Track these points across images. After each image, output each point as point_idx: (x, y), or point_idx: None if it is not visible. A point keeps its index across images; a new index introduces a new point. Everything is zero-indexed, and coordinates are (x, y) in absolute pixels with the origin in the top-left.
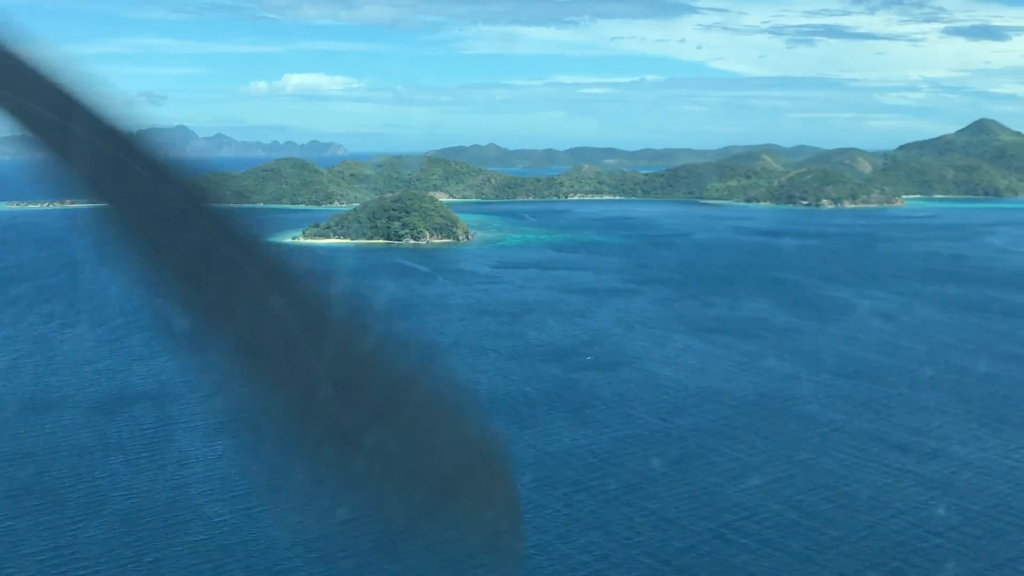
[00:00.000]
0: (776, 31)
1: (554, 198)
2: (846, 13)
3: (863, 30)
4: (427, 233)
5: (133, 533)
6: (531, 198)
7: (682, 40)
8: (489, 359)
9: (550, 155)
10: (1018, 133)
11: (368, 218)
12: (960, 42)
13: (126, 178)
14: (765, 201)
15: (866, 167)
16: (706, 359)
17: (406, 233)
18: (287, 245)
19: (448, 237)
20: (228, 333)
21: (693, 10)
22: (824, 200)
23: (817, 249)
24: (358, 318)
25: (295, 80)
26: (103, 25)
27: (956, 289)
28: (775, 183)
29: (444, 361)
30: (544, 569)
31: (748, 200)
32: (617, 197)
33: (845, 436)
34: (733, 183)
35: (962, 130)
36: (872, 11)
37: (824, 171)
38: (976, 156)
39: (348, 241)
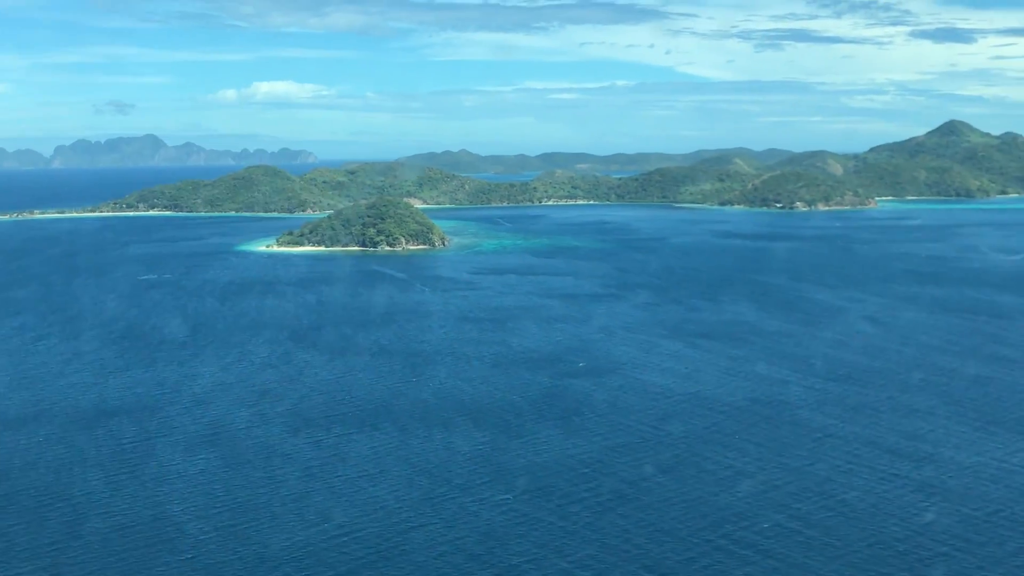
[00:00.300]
0: (744, 36)
1: (528, 203)
2: (813, 17)
3: (830, 34)
4: (403, 239)
5: (115, 554)
6: (505, 203)
7: (651, 45)
8: (473, 367)
9: (522, 160)
10: (987, 134)
11: (343, 225)
12: (926, 45)
13: None
14: (739, 204)
15: (837, 169)
16: (693, 364)
17: (381, 240)
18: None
19: (424, 243)
20: None
21: (662, 15)
22: (798, 202)
23: (796, 252)
24: None
25: (264, 88)
26: (70, 34)
27: (937, 290)
28: (749, 186)
29: None
30: None
31: (722, 203)
32: (591, 202)
33: (838, 441)
34: (707, 186)
35: (932, 132)
36: (839, 15)
37: (797, 173)
38: (947, 157)
39: (323, 248)
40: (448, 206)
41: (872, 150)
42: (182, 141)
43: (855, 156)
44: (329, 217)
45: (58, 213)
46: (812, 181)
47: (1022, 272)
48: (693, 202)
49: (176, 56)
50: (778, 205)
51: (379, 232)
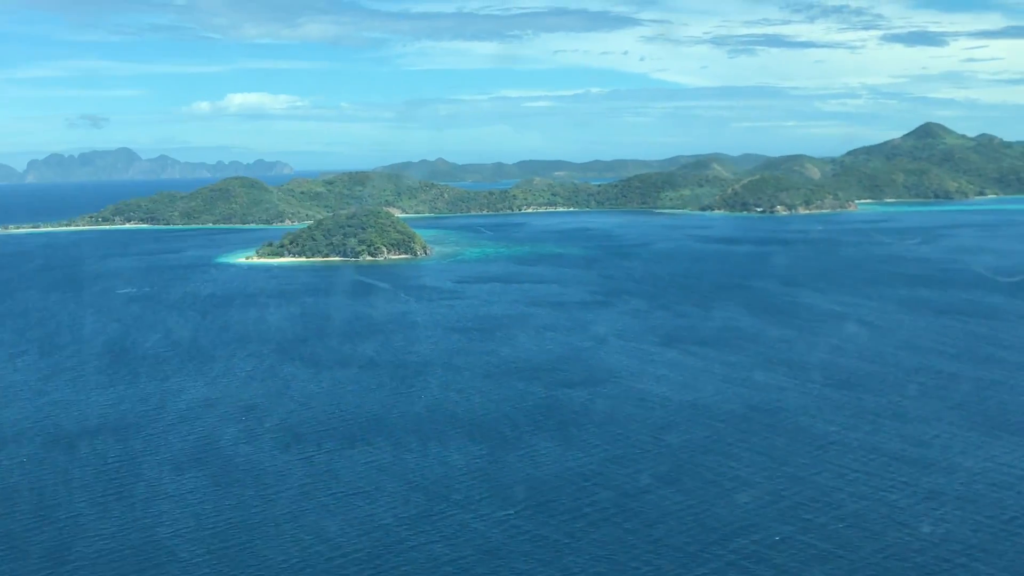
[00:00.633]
0: (718, 42)
1: (508, 211)
2: (786, 22)
3: (803, 39)
4: (384, 249)
5: None
6: (485, 212)
7: (625, 52)
8: (464, 378)
9: (499, 169)
10: (963, 136)
11: (323, 235)
12: (898, 48)
13: None
14: (719, 209)
15: (815, 173)
16: (689, 372)
17: (363, 249)
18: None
19: (406, 253)
20: None
21: (635, 22)
22: (778, 206)
23: (781, 256)
24: None
25: (238, 100)
26: (42, 48)
27: (927, 292)
28: (728, 191)
29: None
30: None
31: (702, 208)
32: (571, 208)
33: (842, 449)
34: (686, 192)
35: (908, 134)
36: (812, 20)
37: (777, 177)
38: (923, 160)
39: (304, 259)
40: (427, 215)
41: (849, 153)
42: (156, 154)
43: (832, 160)
44: (309, 227)
45: (33, 228)
46: (792, 185)
47: (1011, 273)
48: (673, 207)
49: (149, 69)
50: (758, 209)
51: (360, 242)
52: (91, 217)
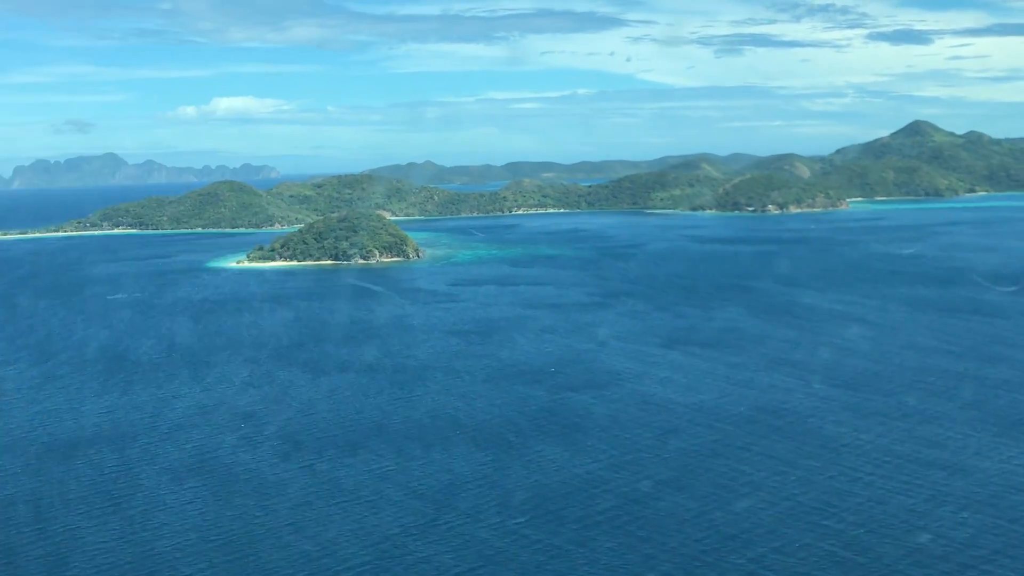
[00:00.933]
0: (704, 41)
1: (498, 213)
2: (772, 22)
3: (789, 38)
4: (376, 252)
5: None
6: (475, 214)
7: (611, 53)
8: (465, 382)
9: (487, 171)
10: (951, 134)
11: (315, 239)
12: (884, 47)
13: None
14: (711, 209)
15: (805, 172)
16: (692, 374)
17: (355, 253)
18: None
19: (398, 255)
20: None
21: (622, 23)
22: (770, 205)
23: (777, 255)
24: None
25: (224, 104)
26: (26, 54)
27: (926, 290)
28: (720, 191)
29: None
30: None
31: (694, 208)
32: (562, 210)
33: (855, 451)
34: (677, 192)
35: (897, 132)
36: (798, 19)
37: (768, 176)
38: (913, 158)
39: (295, 263)
40: (418, 217)
41: (838, 152)
42: (143, 159)
43: (822, 158)
44: (300, 231)
45: (20, 234)
46: (783, 184)
47: (1008, 271)
48: (664, 208)
49: (135, 74)
50: (750, 209)
51: (352, 245)
52: (79, 223)
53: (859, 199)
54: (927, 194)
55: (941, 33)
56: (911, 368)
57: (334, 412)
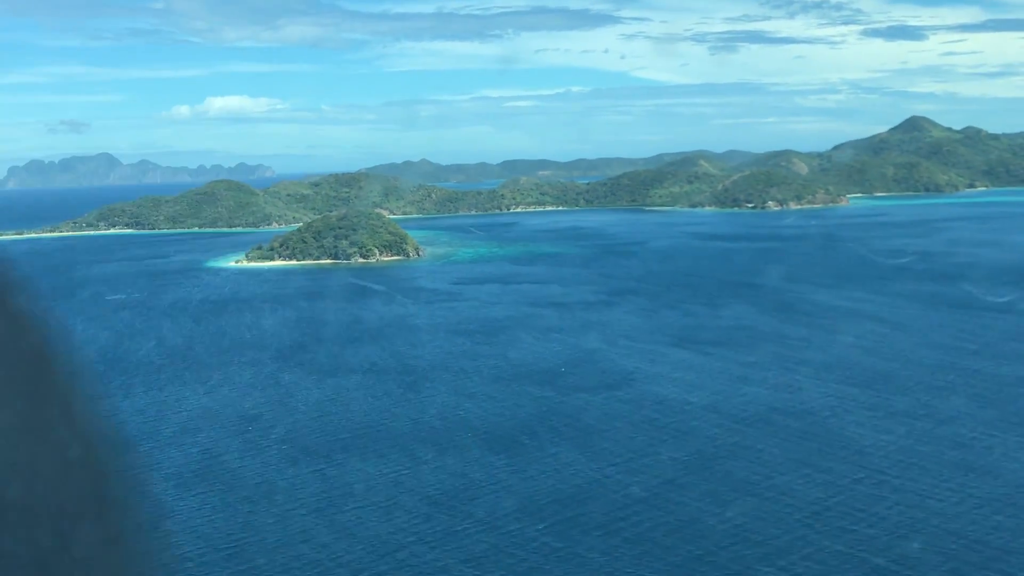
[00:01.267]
0: (698, 38)
1: (497, 210)
2: (766, 18)
3: (783, 35)
4: (376, 251)
5: None
6: (473, 212)
7: (606, 50)
8: (474, 383)
9: (483, 169)
10: (949, 129)
11: (314, 238)
12: (878, 43)
13: None
14: (710, 206)
15: (803, 168)
16: (704, 374)
17: (354, 252)
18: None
19: (398, 254)
20: None
21: (616, 20)
22: (770, 202)
23: (780, 251)
24: None
25: (218, 103)
26: (20, 55)
27: (936, 286)
28: (719, 187)
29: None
30: None
31: (693, 205)
32: (560, 207)
33: (879, 453)
34: (676, 189)
35: (894, 128)
36: (792, 15)
37: (767, 173)
38: (911, 153)
39: (294, 262)
40: (416, 216)
41: (835, 148)
42: (137, 159)
43: (819, 155)
44: (299, 230)
45: (16, 234)
46: (782, 180)
47: (1018, 266)
48: (663, 205)
49: (129, 73)
50: (749, 205)
51: (351, 244)
52: (75, 223)
53: (859, 195)
54: (927, 190)
55: (935, 29)
56: (928, 366)
57: (341, 414)
